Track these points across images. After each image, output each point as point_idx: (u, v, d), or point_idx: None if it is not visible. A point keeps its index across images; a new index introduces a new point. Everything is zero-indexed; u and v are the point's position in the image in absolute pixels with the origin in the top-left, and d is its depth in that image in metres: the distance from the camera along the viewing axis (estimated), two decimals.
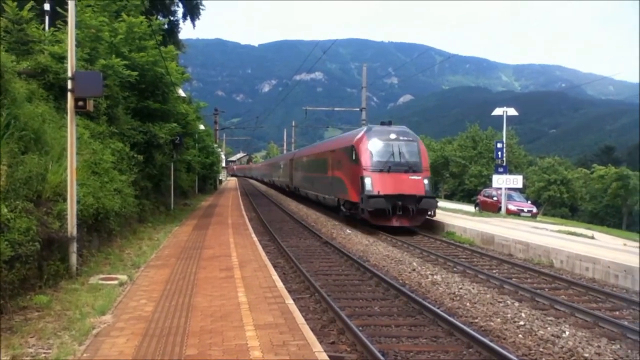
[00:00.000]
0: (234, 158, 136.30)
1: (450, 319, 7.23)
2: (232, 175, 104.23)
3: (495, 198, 28.88)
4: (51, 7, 15.38)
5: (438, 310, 7.70)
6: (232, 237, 13.96)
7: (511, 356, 5.84)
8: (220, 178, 60.02)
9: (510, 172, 31.91)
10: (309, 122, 54.57)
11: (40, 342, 5.28)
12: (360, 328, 6.82)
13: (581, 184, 57.06)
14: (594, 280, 10.82)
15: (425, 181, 17.97)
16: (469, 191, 56.64)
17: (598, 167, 56.22)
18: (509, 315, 7.69)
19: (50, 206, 8.10)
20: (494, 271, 11.57)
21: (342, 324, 6.98)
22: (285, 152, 69.64)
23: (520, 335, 6.87)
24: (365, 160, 17.94)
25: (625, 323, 7.45)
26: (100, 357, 4.94)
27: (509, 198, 27.20)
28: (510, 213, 25.76)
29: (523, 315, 7.71)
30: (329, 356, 5.21)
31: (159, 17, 23.61)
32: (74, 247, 8.17)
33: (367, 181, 17.52)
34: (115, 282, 8.08)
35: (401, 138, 18.61)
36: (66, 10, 9.20)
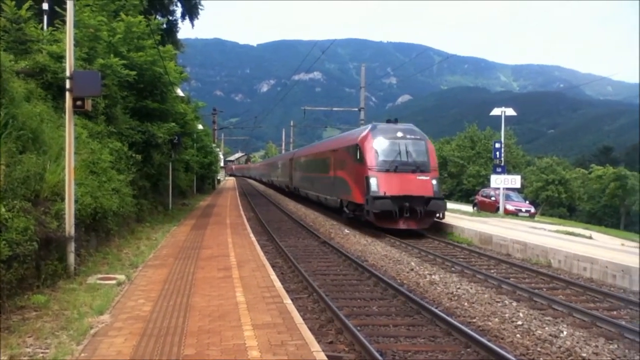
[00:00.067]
0: (232, 158, 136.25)
1: (448, 318, 7.23)
2: (231, 175, 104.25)
3: (493, 198, 28.90)
4: (49, 6, 15.36)
5: (436, 310, 7.70)
6: (230, 237, 13.96)
7: (509, 356, 5.84)
8: (218, 178, 60.02)
9: (509, 172, 31.92)
10: (308, 122, 54.47)
11: (38, 342, 5.28)
12: (359, 328, 6.83)
13: (579, 184, 57.22)
14: (591, 280, 10.84)
15: (434, 182, 17.20)
16: (467, 191, 56.66)
17: (596, 167, 56.32)
18: (506, 315, 7.70)
19: (48, 206, 8.09)
20: (492, 271, 11.59)
21: (340, 323, 6.98)
22: (283, 152, 69.62)
23: (518, 335, 6.88)
24: (371, 160, 17.17)
25: (623, 323, 7.46)
26: (98, 357, 4.93)
27: (507, 198, 27.22)
28: (508, 213, 25.78)
29: (521, 315, 7.72)
30: (327, 356, 5.21)
31: (157, 16, 23.53)
32: (71, 246, 8.16)
33: (373, 181, 16.74)
34: (113, 281, 8.07)
35: (408, 136, 17.82)
36: (64, 9, 9.19)
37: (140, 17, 16.09)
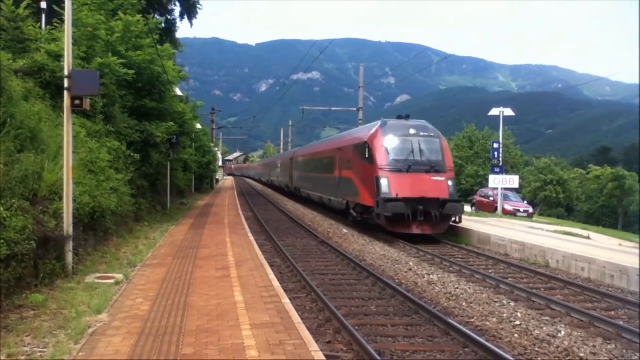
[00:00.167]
0: (230, 157, 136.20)
1: (447, 318, 7.24)
2: (229, 175, 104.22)
3: (491, 198, 28.93)
4: (48, 5, 15.34)
5: (434, 310, 7.72)
6: (228, 237, 13.95)
7: (507, 356, 5.85)
8: (217, 177, 59.97)
9: (507, 173, 31.92)
10: (306, 122, 54.56)
11: (36, 341, 5.27)
12: (357, 327, 6.83)
13: (577, 185, 57.37)
14: (589, 280, 10.86)
15: (450, 182, 15.97)
16: (466, 191, 56.64)
17: (594, 168, 56.52)
18: (505, 315, 7.71)
19: (47, 205, 8.08)
20: (490, 271, 11.60)
21: (339, 323, 6.98)
22: (282, 151, 69.55)
23: (516, 335, 6.88)
24: (381, 159, 15.86)
25: (621, 323, 7.48)
26: (96, 356, 4.93)
27: (506, 198, 27.27)
28: (506, 213, 25.83)
29: (519, 315, 7.73)
30: (325, 355, 5.21)
31: (156, 16, 23.50)
32: (70, 245, 8.15)
33: (384, 182, 15.46)
34: (112, 281, 8.06)
35: (421, 134, 16.50)
36: (63, 8, 9.16)
37: (139, 16, 16.06)
